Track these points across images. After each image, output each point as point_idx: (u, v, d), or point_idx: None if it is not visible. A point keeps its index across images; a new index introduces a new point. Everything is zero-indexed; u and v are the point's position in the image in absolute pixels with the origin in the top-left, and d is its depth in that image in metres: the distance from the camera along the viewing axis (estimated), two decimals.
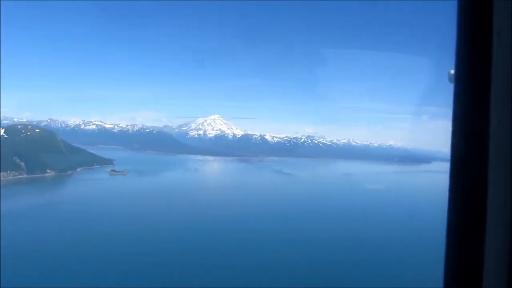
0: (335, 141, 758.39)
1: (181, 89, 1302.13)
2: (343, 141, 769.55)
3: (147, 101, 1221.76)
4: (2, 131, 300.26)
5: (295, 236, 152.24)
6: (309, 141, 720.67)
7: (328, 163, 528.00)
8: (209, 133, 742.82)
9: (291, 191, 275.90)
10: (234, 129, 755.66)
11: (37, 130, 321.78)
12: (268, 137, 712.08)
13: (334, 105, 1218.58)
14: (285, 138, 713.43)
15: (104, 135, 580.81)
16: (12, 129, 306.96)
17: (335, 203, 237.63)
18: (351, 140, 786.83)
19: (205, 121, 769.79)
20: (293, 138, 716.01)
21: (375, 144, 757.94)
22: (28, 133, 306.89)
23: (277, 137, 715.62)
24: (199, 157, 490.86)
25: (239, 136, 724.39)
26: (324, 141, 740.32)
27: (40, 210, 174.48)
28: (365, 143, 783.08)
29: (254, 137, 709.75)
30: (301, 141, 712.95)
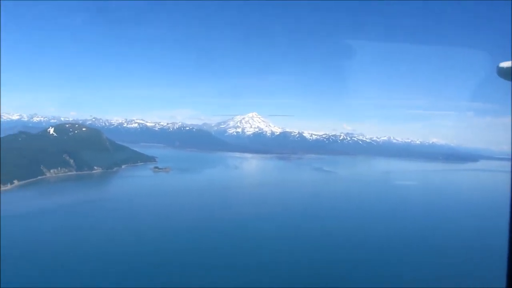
0: (375, 138, 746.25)
1: (218, 87, 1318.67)
2: (383, 138, 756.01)
3: (185, 99, 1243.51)
4: (52, 129, 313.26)
5: (340, 235, 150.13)
6: (348, 138, 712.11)
7: (368, 161, 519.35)
8: (247, 131, 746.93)
9: (333, 189, 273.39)
10: (272, 126, 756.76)
11: (83, 129, 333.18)
12: (306, 134, 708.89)
13: (373, 101, 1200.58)
14: (323, 136, 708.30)
15: (146, 133, 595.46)
16: (60, 128, 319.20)
17: (377, 202, 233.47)
18: (392, 138, 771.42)
19: (243, 118, 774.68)
20: (332, 135, 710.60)
21: (417, 142, 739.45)
22: (76, 131, 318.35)
23: (315, 135, 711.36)
24: (237, 154, 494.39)
25: (277, 133, 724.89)
26: (364, 138, 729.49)
27: (89, 206, 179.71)
28: (407, 140, 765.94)
29: (292, 134, 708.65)
30: (340, 138, 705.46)
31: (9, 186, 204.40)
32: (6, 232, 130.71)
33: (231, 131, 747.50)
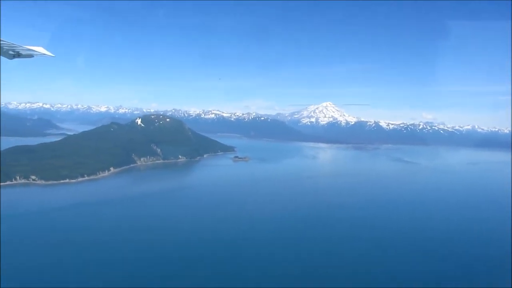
0: (457, 127, 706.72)
1: (291, 77, 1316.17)
2: (466, 127, 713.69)
3: (258, 90, 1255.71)
4: (139, 120, 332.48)
5: (430, 227, 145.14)
6: (428, 128, 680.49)
7: (451, 151, 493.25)
8: (321, 120, 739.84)
9: (416, 180, 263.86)
10: (346, 116, 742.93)
11: (167, 120, 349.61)
12: (383, 123, 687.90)
13: (454, 88, 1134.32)
14: (401, 125, 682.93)
15: (222, 124, 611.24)
16: (147, 119, 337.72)
17: (466, 193, 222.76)
18: (476, 126, 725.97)
19: (317, 108, 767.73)
20: (410, 124, 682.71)
21: (505, 130, 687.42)
22: (160, 122, 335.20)
23: (392, 124, 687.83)
24: (312, 144, 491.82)
25: (352, 123, 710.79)
26: (445, 128, 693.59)
27: (178, 193, 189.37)
28: (493, 129, 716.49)
29: (368, 124, 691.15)
30: (419, 127, 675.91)
31: (106, 173, 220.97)
32: (109, 215, 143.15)
33: (305, 121, 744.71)
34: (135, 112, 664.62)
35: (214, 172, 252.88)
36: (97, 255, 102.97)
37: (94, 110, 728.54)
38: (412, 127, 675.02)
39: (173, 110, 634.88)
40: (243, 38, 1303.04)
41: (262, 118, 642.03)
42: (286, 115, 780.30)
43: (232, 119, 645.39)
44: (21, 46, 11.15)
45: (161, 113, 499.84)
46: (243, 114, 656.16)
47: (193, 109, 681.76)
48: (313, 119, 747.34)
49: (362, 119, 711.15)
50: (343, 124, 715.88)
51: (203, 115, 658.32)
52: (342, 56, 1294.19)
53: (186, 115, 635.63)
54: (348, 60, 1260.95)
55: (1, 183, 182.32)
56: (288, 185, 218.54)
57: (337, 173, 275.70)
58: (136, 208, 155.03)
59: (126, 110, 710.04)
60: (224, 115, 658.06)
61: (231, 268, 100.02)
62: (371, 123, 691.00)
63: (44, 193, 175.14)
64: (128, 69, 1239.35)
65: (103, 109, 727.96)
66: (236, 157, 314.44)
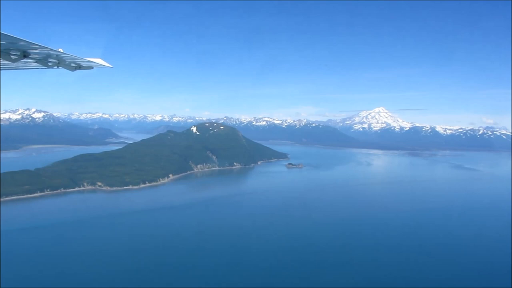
0: None
1: (340, 82, 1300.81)
2: None
3: (308, 96, 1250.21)
4: (195, 128, 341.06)
5: (494, 238, 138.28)
6: (489, 133, 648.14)
7: None
8: (374, 126, 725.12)
9: (479, 188, 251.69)
10: (400, 121, 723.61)
11: (221, 127, 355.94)
12: (439, 129, 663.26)
13: None
14: (459, 130, 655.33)
15: (274, 131, 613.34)
16: (201, 127, 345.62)
17: None
18: None
19: (369, 114, 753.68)
20: (469, 129, 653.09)
21: None
22: (215, 130, 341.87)
23: (449, 129, 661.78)
24: (365, 150, 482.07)
25: (407, 128, 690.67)
26: (508, 132, 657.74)
27: (235, 199, 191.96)
28: None
29: (423, 129, 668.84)
30: (479, 133, 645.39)
31: (166, 180, 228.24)
32: (172, 221, 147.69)
33: (357, 127, 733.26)
34: (188, 121, 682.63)
35: (269, 179, 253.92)
36: (170, 260, 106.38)
37: (149, 119, 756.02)
38: (472, 132, 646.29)
39: (225, 118, 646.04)
40: (292, 45, 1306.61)
41: (314, 125, 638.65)
42: (337, 121, 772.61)
43: (283, 126, 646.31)
44: (82, 58, 11.55)
45: (214, 121, 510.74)
46: (294, 121, 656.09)
47: (244, 117, 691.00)
48: (365, 125, 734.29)
49: (417, 125, 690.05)
50: (397, 129, 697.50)
51: (254, 122, 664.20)
52: (395, 60, 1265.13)
53: (237, 122, 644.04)
54: (402, 64, 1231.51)
55: (71, 189, 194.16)
56: (343, 192, 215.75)
57: (393, 180, 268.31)
58: (198, 214, 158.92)
59: (180, 119, 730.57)
60: (275, 122, 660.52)
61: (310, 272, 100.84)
62: (427, 128, 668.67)
63: (110, 199, 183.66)
64: (181, 78, 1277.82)
65: (157, 118, 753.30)
66: (289, 164, 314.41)
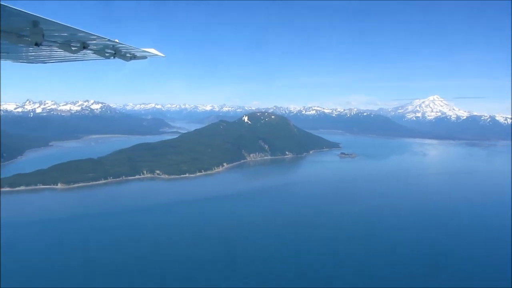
0: None
1: (392, 70, 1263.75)
2: None
3: (359, 85, 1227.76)
4: (246, 118, 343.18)
5: None
6: None
7: None
8: (428, 115, 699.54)
9: None
10: (456, 110, 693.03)
11: (272, 117, 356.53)
12: (499, 118, 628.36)
13: None
14: None
15: (324, 120, 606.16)
16: (253, 116, 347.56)
17: None
18: None
19: (423, 102, 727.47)
20: None
21: None
22: (266, 119, 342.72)
23: (511, 118, 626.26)
24: (418, 140, 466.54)
25: (464, 117, 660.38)
26: None
27: (289, 188, 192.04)
28: None
29: (482, 118, 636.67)
30: None
31: (221, 168, 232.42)
32: (230, 210, 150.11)
33: (410, 116, 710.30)
34: (238, 110, 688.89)
35: (322, 168, 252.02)
36: (233, 251, 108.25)
37: (200, 109, 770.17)
38: None
39: (274, 107, 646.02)
40: (343, 32, 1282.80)
41: (365, 114, 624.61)
42: (389, 110, 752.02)
43: (334, 115, 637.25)
44: (137, 48, 11.66)
45: (263, 110, 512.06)
46: (344, 110, 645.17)
47: (293, 106, 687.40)
48: (419, 114, 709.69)
49: (475, 113, 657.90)
50: (453, 118, 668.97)
51: (304, 111, 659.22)
52: (450, 47, 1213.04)
53: (287, 112, 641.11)
54: (458, 51, 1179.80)
55: (132, 177, 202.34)
56: (399, 183, 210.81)
57: (450, 171, 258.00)
58: (255, 202, 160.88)
59: (229, 109, 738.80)
60: (325, 111, 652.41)
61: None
62: (485, 117, 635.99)
63: (170, 187, 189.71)
64: (231, 68, 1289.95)
65: (208, 108, 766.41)
66: (342, 153, 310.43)
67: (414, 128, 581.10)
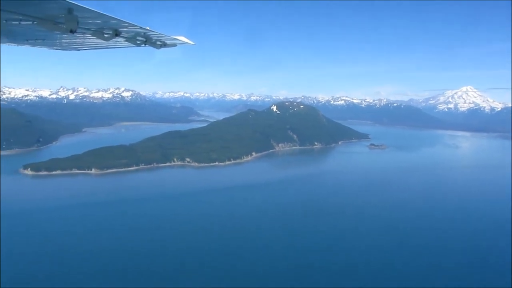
0: None
1: (423, 59, 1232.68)
2: None
3: (389, 75, 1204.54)
4: (275, 107, 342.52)
5: None
6: None
7: None
8: (460, 107, 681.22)
9: None
10: (491, 101, 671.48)
11: (301, 106, 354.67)
12: None
13: None
14: None
15: (352, 110, 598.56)
16: (281, 106, 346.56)
17: None
18: None
19: (456, 93, 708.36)
20: None
21: None
22: (295, 109, 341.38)
23: None
24: (450, 132, 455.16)
25: (498, 109, 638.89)
26: None
27: (318, 178, 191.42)
28: None
29: None
30: None
31: (249, 157, 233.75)
32: (260, 199, 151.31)
33: (442, 107, 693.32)
34: (266, 100, 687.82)
35: (351, 159, 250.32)
36: (260, 239, 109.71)
37: (228, 98, 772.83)
38: None
39: (303, 97, 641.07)
40: (372, 22, 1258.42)
41: (395, 104, 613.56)
42: (420, 101, 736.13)
43: (363, 106, 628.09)
44: (167, 36, 11.61)
45: (291, 100, 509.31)
46: (374, 101, 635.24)
47: (321, 96, 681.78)
48: (451, 105, 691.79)
49: (510, 105, 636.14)
50: (487, 110, 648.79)
51: (332, 101, 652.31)
52: (484, 36, 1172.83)
53: (315, 101, 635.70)
54: (492, 39, 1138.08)
55: (162, 164, 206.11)
56: (430, 175, 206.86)
57: (484, 164, 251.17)
58: (284, 192, 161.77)
59: (257, 98, 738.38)
60: (354, 101, 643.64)
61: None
62: None
63: (200, 175, 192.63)
64: (259, 57, 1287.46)
65: (236, 97, 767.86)
66: (371, 144, 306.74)
67: (445, 119, 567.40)
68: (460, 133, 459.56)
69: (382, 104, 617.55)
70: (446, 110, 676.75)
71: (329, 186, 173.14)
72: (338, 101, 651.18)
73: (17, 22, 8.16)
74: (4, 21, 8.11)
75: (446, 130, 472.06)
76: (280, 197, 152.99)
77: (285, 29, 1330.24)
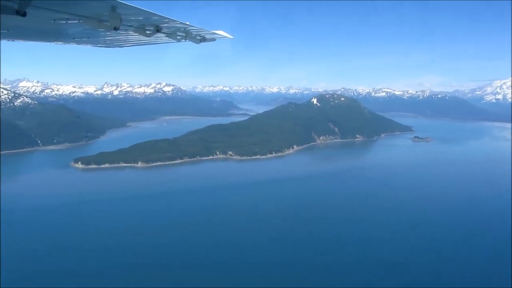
0: None
1: (468, 48, 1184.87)
2: None
3: (432, 66, 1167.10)
4: (315, 100, 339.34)
5: None
6: None
7: None
8: (510, 97, 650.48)
9: None
10: None
11: (342, 99, 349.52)
12: None
13: None
14: None
15: (394, 102, 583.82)
16: (322, 98, 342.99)
17: None
18: None
19: (504, 83, 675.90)
20: None
21: None
22: (335, 101, 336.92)
23: None
24: (498, 124, 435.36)
25: None
26: None
27: (361, 171, 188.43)
28: None
29: None
30: None
31: (291, 150, 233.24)
32: (303, 191, 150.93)
33: (489, 98, 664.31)
34: (305, 92, 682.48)
35: (395, 152, 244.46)
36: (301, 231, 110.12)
37: (267, 91, 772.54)
38: None
39: (342, 89, 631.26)
40: (413, 10, 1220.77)
41: (439, 96, 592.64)
42: (466, 91, 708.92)
43: (405, 97, 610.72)
44: (207, 30, 11.56)
45: (331, 92, 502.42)
46: (416, 92, 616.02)
47: (361, 88, 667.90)
48: (499, 96, 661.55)
49: None
50: None
51: (373, 93, 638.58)
52: None
53: (355, 94, 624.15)
54: None
55: (205, 157, 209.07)
56: (478, 169, 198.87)
57: None
58: (326, 185, 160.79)
59: (296, 91, 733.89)
60: (396, 93, 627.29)
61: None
62: None
63: (243, 168, 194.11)
64: (298, 50, 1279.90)
65: (274, 90, 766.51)
66: (415, 137, 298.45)
67: (494, 111, 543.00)
68: (509, 125, 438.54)
69: (425, 95, 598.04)
70: (494, 101, 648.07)
71: (377, 180, 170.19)
72: (379, 93, 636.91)
73: (64, 21, 8.49)
74: (52, 21, 8.42)
75: (494, 122, 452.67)
76: (322, 190, 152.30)
77: (325, 21, 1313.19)
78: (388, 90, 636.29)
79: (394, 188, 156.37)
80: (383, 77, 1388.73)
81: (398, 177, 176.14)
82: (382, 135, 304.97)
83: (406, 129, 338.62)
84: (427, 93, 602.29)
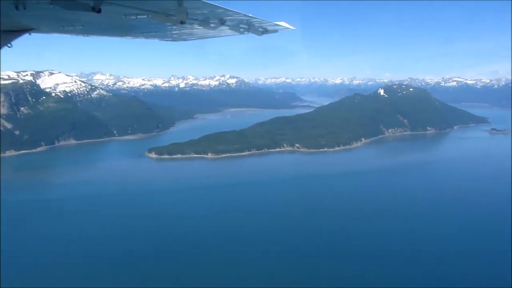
0: None
1: None
2: None
3: (507, 50, 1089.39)
4: (382, 91, 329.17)
5: None
6: None
7: None
8: None
9: None
10: None
11: (410, 89, 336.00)
12: None
13: None
14: None
15: (466, 92, 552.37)
16: (389, 89, 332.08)
17: None
18: None
19: None
20: None
21: None
22: (404, 92, 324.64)
23: None
24: None
25: None
26: None
27: (435, 165, 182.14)
28: None
29: None
30: None
31: (359, 143, 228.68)
32: (377, 184, 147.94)
33: None
34: (369, 83, 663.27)
35: (471, 145, 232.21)
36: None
37: (329, 82, 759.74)
38: None
39: (409, 79, 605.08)
40: None
41: None
42: None
43: (478, 87, 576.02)
44: (269, 22, 11.39)
45: (397, 82, 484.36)
46: (491, 81, 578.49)
47: (429, 77, 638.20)
48: None
49: None
50: None
51: (443, 83, 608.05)
52: None
53: (423, 84, 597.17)
54: None
55: (273, 150, 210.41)
56: None
57: None
58: (399, 179, 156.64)
59: (360, 81, 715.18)
60: (468, 82, 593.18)
61: None
62: None
63: (312, 160, 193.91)
64: (361, 39, 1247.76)
65: (337, 81, 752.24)
66: (492, 129, 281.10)
67: None
68: None
69: (501, 84, 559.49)
70: None
71: (456, 174, 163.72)
72: (449, 82, 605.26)
73: (134, 17, 8.82)
74: (123, 16, 8.82)
75: None
76: (408, 184, 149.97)
77: (388, 9, 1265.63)
78: (459, 79, 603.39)
79: (477, 181, 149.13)
80: (452, 66, 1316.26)
81: (478, 171, 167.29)
82: (455, 127, 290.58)
83: (481, 120, 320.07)
84: (502, 82, 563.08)
